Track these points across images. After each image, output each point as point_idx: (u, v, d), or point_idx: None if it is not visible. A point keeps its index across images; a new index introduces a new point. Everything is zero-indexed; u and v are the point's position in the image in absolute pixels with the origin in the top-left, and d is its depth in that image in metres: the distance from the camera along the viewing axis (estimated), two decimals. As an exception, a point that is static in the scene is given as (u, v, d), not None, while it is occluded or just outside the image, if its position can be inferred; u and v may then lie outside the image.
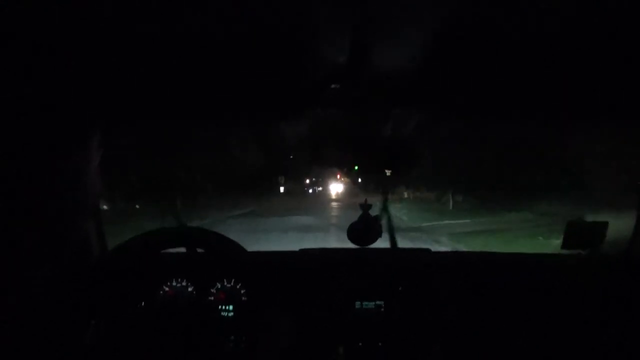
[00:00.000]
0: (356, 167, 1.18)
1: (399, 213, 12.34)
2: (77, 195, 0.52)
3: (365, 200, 1.28)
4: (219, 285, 1.21)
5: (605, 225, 1.25)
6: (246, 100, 1.08)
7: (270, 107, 1.16)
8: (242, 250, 1.07)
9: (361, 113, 1.16)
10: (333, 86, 0.98)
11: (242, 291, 1.20)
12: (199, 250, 1.17)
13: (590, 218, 1.27)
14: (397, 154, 1.14)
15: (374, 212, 1.26)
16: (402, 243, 1.37)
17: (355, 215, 1.25)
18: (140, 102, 1.01)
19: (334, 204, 16.37)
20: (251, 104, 1.12)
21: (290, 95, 1.05)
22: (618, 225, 1.28)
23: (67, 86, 0.47)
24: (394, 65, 0.89)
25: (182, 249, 1.20)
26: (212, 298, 1.19)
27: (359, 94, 1.04)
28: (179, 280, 1.20)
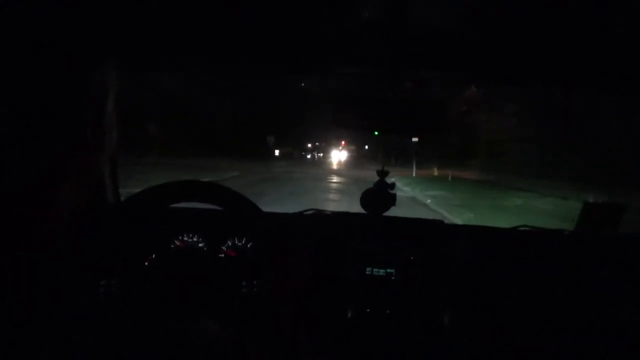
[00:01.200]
0: (376, 132, 1.22)
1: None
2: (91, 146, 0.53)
3: (383, 167, 1.31)
4: (229, 243, 1.27)
5: (622, 207, 1.32)
6: (269, 47, 1.06)
7: (295, 59, 1.14)
8: (256, 208, 1.09)
9: (390, 73, 1.17)
10: (364, 42, 0.97)
11: (253, 250, 1.26)
12: (212, 206, 1.29)
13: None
14: (425, 120, 1.13)
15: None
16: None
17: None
18: (160, 39, 1.00)
19: (335, 179, 14.35)
20: (274, 52, 1.10)
21: (316, 47, 1.05)
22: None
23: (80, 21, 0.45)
24: (430, 24, 0.87)
25: (194, 204, 1.22)
26: (223, 255, 1.25)
27: (390, 53, 1.04)
28: (190, 235, 1.26)
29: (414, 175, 17.58)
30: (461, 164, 19.21)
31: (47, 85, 0.42)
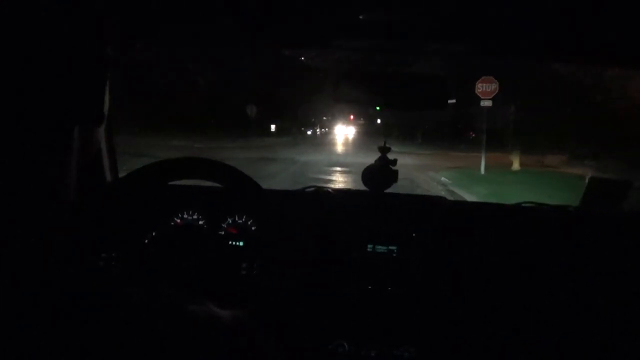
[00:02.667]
0: (378, 107, 1.29)
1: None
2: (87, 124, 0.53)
3: (385, 142, 1.35)
4: (230, 220, 1.34)
5: (628, 184, 1.37)
6: (267, 20, 1.10)
7: (295, 32, 1.17)
8: (257, 186, 1.13)
9: (392, 46, 1.20)
10: (366, 13, 0.99)
11: (254, 227, 1.33)
12: (211, 183, 1.33)
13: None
14: (428, 92, 1.19)
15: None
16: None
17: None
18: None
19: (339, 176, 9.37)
20: (272, 25, 1.14)
21: (316, 19, 1.07)
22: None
23: None
24: None
25: (194, 182, 1.25)
26: (223, 233, 1.33)
27: (392, 25, 1.06)
28: (190, 212, 1.33)
29: (482, 170, 10.34)
30: (549, 145, 12.07)
31: (41, 53, 0.43)
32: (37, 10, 0.42)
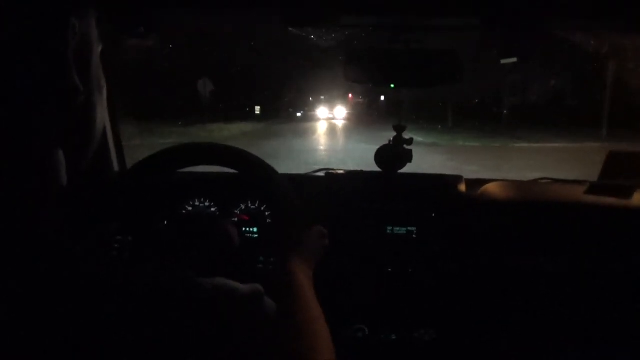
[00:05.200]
0: (392, 85, 1.45)
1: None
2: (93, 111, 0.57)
3: (400, 121, 1.45)
4: (242, 207, 1.45)
5: None
6: None
7: (300, 9, 1.24)
8: (271, 169, 1.25)
9: (402, 22, 1.27)
10: None
11: (267, 213, 1.45)
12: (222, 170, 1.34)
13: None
14: (444, 68, 1.31)
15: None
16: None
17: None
18: None
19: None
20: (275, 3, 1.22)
21: None
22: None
23: None
24: None
25: (205, 168, 1.40)
26: (236, 219, 1.44)
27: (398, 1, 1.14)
28: (202, 200, 1.44)
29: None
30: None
31: (26, 35, 0.46)
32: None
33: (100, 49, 0.57)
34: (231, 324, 0.56)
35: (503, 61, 1.50)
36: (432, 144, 12.78)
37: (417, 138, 1.48)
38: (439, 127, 18.12)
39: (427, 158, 9.27)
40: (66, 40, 0.49)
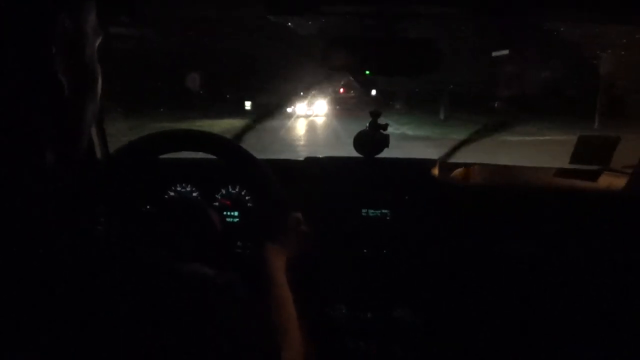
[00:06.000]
0: (368, 72, 1.52)
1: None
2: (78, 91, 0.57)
3: (375, 107, 1.54)
4: (223, 191, 1.51)
5: (616, 140, 1.54)
6: None
7: None
8: (250, 155, 1.32)
9: (379, 11, 1.32)
10: None
11: (248, 197, 1.51)
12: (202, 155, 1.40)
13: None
14: (421, 57, 1.35)
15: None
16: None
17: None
18: None
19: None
20: None
21: None
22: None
23: None
24: None
25: (187, 154, 1.46)
26: (217, 204, 1.50)
27: None
28: (184, 185, 1.51)
29: None
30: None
31: (14, 30, 0.46)
32: None
33: (98, 41, 0.58)
34: (204, 309, 0.58)
35: (494, 53, 1.53)
36: (425, 137, 12.80)
37: (408, 131, 1.55)
38: (432, 119, 18.23)
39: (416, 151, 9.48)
40: (53, 35, 0.49)
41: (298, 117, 20.63)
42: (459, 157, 1.74)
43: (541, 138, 12.91)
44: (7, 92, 0.48)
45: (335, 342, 1.47)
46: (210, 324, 0.58)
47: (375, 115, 1.51)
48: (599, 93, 13.07)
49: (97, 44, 0.58)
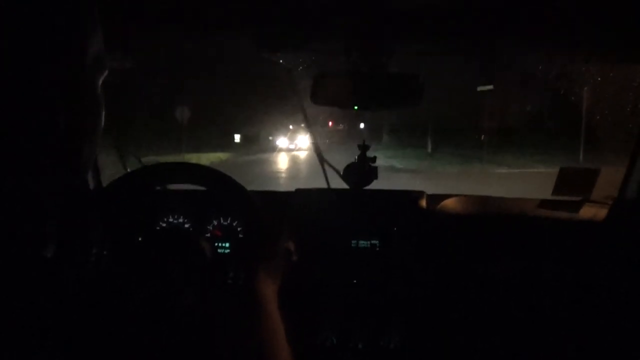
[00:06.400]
0: (356, 107, 1.58)
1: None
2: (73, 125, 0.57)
3: (364, 140, 1.59)
4: (215, 222, 1.54)
5: (597, 172, 1.61)
6: (236, 21, 1.26)
7: (267, 33, 1.34)
8: (240, 187, 1.36)
9: (366, 47, 1.38)
10: (338, 14, 1.17)
11: (239, 228, 1.54)
12: (194, 187, 1.46)
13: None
14: (406, 91, 1.42)
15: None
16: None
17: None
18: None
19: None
20: (242, 27, 1.32)
21: (291, 19, 1.25)
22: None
23: None
24: None
25: (178, 186, 1.51)
26: (209, 235, 1.53)
27: (365, 26, 1.26)
28: (175, 216, 1.53)
29: None
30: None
31: (18, 52, 0.46)
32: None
33: (103, 76, 0.59)
34: (195, 339, 0.59)
35: (479, 88, 1.61)
36: (413, 170, 13.00)
37: (396, 164, 1.62)
38: (420, 152, 18.50)
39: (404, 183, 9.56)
40: (60, 70, 0.50)
41: (280, 150, 20.71)
42: (446, 189, 1.80)
43: (528, 170, 13.10)
44: (9, 126, 0.48)
45: None
46: (201, 354, 0.60)
47: (363, 148, 1.56)
48: (582, 128, 13.43)
49: (101, 79, 0.59)
